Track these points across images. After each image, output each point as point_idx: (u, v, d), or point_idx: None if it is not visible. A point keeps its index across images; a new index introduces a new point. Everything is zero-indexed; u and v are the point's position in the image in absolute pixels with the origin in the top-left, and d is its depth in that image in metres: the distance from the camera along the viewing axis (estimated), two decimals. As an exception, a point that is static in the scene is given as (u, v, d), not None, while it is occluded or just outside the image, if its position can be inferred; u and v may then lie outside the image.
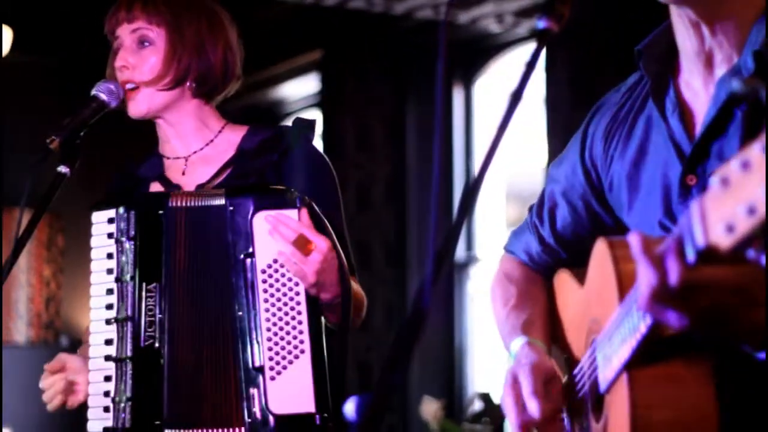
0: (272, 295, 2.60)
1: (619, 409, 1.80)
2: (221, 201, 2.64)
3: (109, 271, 2.69)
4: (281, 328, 2.59)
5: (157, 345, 2.63)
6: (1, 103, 7.75)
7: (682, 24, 1.92)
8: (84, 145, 2.66)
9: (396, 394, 1.46)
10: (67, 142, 2.62)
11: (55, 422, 7.88)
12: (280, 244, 2.56)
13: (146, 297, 2.64)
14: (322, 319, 2.65)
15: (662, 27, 2.01)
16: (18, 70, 7.78)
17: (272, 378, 2.58)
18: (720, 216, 1.39)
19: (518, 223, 2.44)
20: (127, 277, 2.66)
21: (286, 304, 2.60)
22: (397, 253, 7.66)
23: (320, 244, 2.55)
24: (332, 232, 2.63)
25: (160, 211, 2.66)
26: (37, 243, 8.51)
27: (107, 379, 2.66)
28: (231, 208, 2.63)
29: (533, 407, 2.00)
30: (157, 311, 2.64)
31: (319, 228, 2.60)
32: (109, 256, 2.69)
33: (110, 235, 2.70)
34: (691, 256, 1.48)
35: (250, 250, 2.61)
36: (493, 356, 7.56)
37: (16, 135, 7.85)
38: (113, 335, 2.66)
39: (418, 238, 7.60)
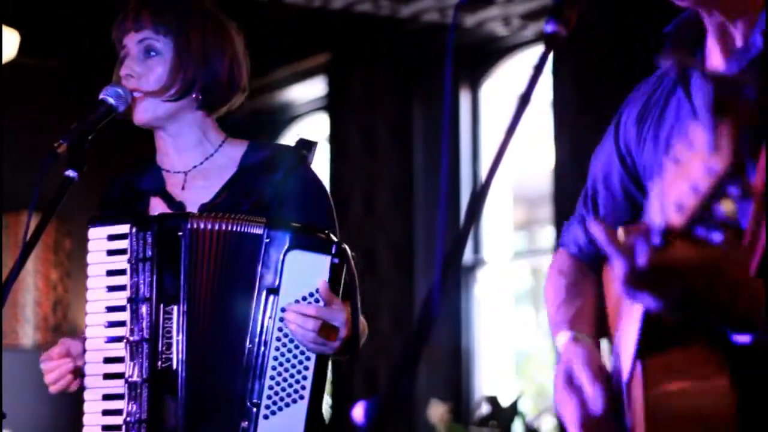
0: (286, 335, 2.59)
1: (637, 398, 1.81)
2: (259, 230, 2.62)
3: (110, 288, 2.67)
4: (286, 370, 2.59)
5: (174, 367, 2.62)
6: (2, 105, 7.76)
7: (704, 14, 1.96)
8: (92, 149, 2.65)
9: (404, 398, 1.46)
10: (75, 147, 2.61)
11: (60, 425, 7.88)
12: (302, 334, 2.55)
13: (163, 319, 2.63)
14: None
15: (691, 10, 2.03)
16: (19, 73, 7.79)
17: (265, 416, 2.58)
18: (673, 196, 1.44)
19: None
20: (142, 298, 2.64)
21: (297, 347, 2.59)
22: (404, 257, 7.66)
23: (341, 331, 2.55)
24: (357, 285, 2.63)
25: (179, 233, 2.64)
26: (44, 247, 8.51)
27: (106, 397, 2.65)
28: (267, 239, 2.61)
29: (597, 395, 1.94)
30: (175, 333, 2.62)
31: (348, 278, 2.59)
32: (109, 273, 2.68)
33: (110, 252, 2.68)
34: (656, 238, 1.50)
35: (276, 285, 2.60)
36: (499, 359, 7.56)
37: (17, 138, 7.86)
38: (120, 354, 2.64)
39: (425, 241, 7.60)
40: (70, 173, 2.60)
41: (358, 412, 1.42)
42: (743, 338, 1.66)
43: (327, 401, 2.72)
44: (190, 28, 2.73)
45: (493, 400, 6.67)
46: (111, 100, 2.69)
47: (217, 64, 2.74)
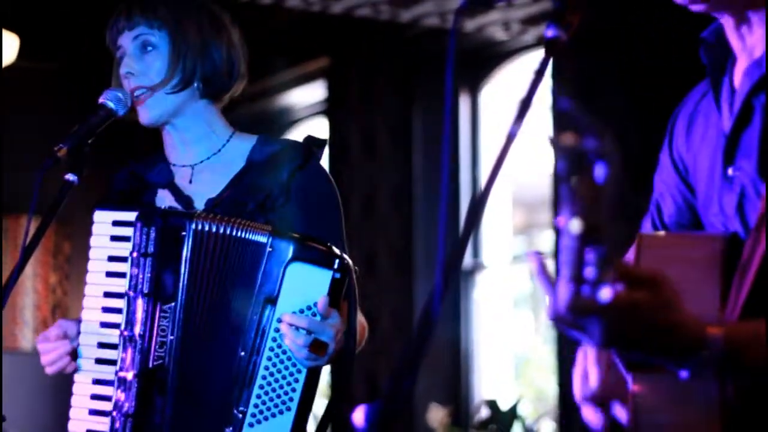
0: (279, 346, 2.58)
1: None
2: (263, 239, 2.60)
3: (109, 274, 2.67)
4: (276, 380, 2.58)
5: (165, 367, 2.61)
6: (2, 109, 7.76)
7: (724, 21, 1.95)
8: (91, 152, 2.65)
9: (404, 401, 1.46)
10: (75, 150, 2.61)
11: (59, 428, 7.87)
12: (294, 346, 2.55)
13: (159, 316, 2.63)
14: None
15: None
16: (19, 76, 7.79)
17: (250, 425, 2.58)
18: (563, 252, 1.50)
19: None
20: (140, 293, 2.63)
21: (289, 359, 2.58)
22: (404, 260, 7.66)
23: (330, 346, 2.54)
24: (357, 299, 2.62)
25: (183, 233, 2.63)
26: (43, 250, 8.51)
27: (96, 382, 2.65)
28: (270, 249, 2.60)
29: (593, 376, 1.93)
30: (169, 333, 2.62)
31: (348, 293, 2.59)
32: (110, 258, 2.67)
33: (113, 238, 2.68)
34: (571, 285, 1.52)
35: (274, 296, 2.58)
36: (499, 363, 7.56)
37: (17, 141, 7.86)
38: (113, 341, 2.64)
39: (425, 244, 7.60)
40: (70, 177, 2.60)
41: (359, 415, 1.43)
42: (683, 373, 1.67)
43: (321, 404, 2.73)
44: (184, 18, 2.73)
45: (492, 404, 6.66)
46: (111, 104, 2.69)
47: (215, 52, 2.75)
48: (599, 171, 1.45)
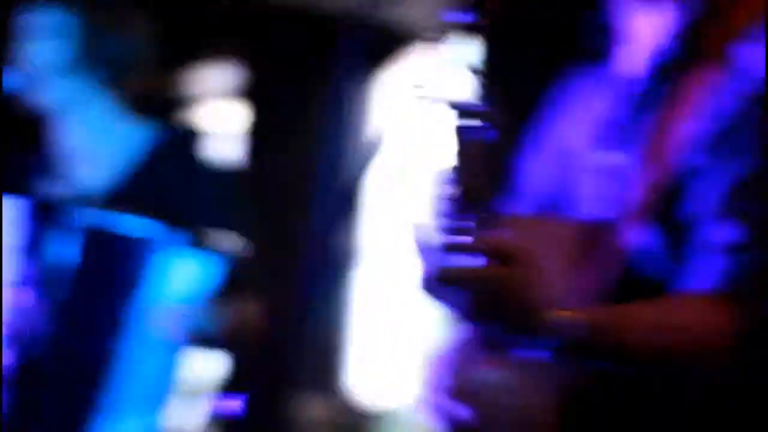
0: (158, 337, 2.58)
1: None
2: (149, 232, 2.60)
3: (4, 266, 2.65)
4: (151, 375, 2.60)
5: (43, 361, 2.59)
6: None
7: None
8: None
9: (282, 392, 1.46)
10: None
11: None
12: (176, 335, 2.55)
13: (41, 311, 2.59)
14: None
15: None
16: None
17: (121, 419, 2.58)
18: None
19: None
20: (26, 286, 2.60)
21: (169, 350, 2.60)
22: (302, 251, 7.65)
23: (218, 332, 2.59)
24: (245, 284, 2.65)
25: (73, 225, 2.60)
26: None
27: None
28: (154, 241, 2.60)
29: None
30: (49, 326, 2.59)
31: (234, 283, 2.64)
32: (7, 249, 2.65)
33: (12, 228, 2.65)
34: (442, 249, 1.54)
35: (157, 289, 2.58)
36: (386, 355, 7.57)
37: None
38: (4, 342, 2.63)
39: (322, 234, 7.60)
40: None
41: (234, 405, 1.42)
42: (533, 354, 1.65)
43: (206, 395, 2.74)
44: (94, 5, 2.75)
45: (374, 396, 6.69)
46: (9, 84, 2.69)
47: (122, 41, 2.76)
48: (482, 134, 1.45)
